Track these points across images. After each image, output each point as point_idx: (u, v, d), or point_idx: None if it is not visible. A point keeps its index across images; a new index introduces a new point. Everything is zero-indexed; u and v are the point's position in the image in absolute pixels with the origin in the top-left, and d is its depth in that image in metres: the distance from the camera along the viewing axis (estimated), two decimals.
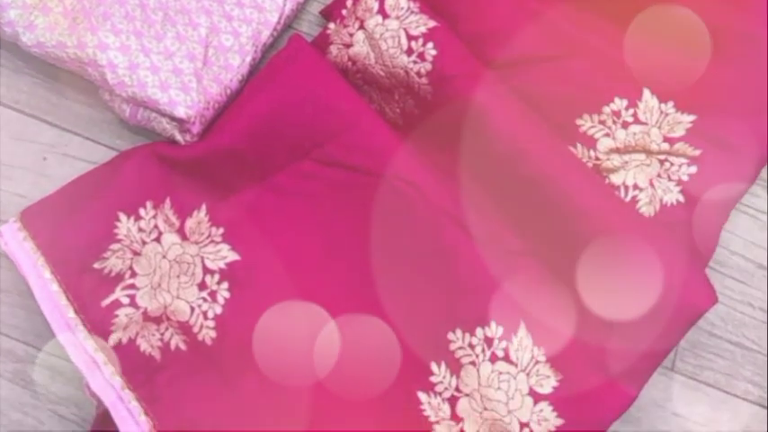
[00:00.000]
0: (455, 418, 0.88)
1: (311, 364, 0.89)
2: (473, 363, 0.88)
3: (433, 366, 0.88)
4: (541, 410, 0.86)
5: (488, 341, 0.87)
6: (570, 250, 0.88)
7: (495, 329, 0.87)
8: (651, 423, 0.93)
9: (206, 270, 0.89)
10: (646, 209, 0.89)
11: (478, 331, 0.88)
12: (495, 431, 0.86)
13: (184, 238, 0.89)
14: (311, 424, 0.87)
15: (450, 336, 0.88)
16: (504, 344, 0.87)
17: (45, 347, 0.91)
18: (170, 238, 0.89)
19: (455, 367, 0.88)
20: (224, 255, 0.90)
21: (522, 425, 0.86)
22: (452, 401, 0.88)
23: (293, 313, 0.89)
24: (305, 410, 0.88)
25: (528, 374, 0.87)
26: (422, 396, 0.88)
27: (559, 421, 0.86)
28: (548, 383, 0.87)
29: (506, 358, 0.87)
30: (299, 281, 0.90)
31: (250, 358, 0.88)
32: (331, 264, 0.91)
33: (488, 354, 0.87)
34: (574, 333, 0.88)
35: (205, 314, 0.89)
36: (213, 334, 0.88)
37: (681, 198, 0.89)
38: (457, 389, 0.88)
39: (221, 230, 0.90)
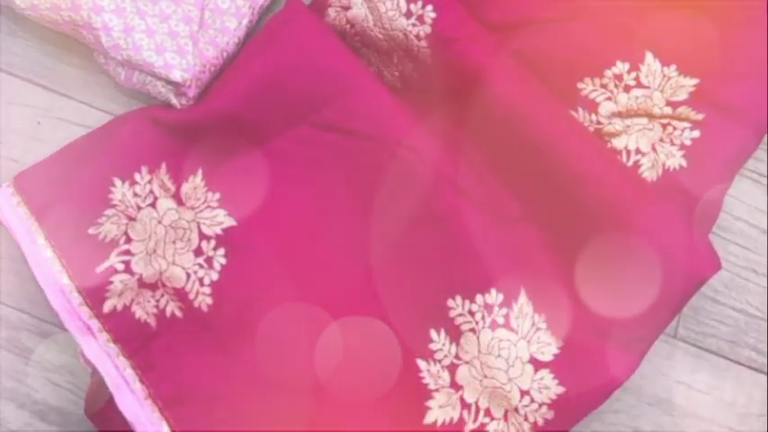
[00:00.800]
0: (454, 385, 0.87)
1: (308, 329, 0.88)
2: (473, 330, 0.86)
3: (433, 334, 0.87)
4: (542, 378, 0.85)
5: (488, 308, 0.86)
6: (571, 216, 0.87)
7: (495, 296, 0.86)
8: (653, 391, 0.92)
9: (202, 236, 0.88)
10: (648, 173, 0.88)
11: (478, 298, 0.86)
12: (495, 399, 0.85)
13: (180, 203, 0.88)
14: (308, 390, 0.87)
15: (450, 303, 0.87)
16: (504, 311, 0.86)
17: (39, 314, 0.90)
18: (165, 203, 0.88)
19: (455, 334, 0.87)
20: (220, 220, 0.89)
21: (523, 392, 0.85)
22: (452, 369, 0.87)
23: (290, 279, 0.89)
24: (301, 376, 0.87)
25: (528, 342, 0.86)
26: (421, 364, 0.87)
27: (560, 389, 0.85)
28: (548, 351, 0.86)
29: (507, 325, 0.86)
30: (297, 247, 0.89)
31: (247, 325, 0.87)
32: (329, 229, 0.90)
33: (488, 321, 0.86)
34: (575, 300, 0.87)
35: (201, 281, 0.88)
36: (209, 301, 0.87)
37: (683, 163, 0.88)
38: (456, 356, 0.87)
39: (217, 196, 0.89)
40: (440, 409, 0.86)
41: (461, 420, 0.86)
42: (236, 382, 0.86)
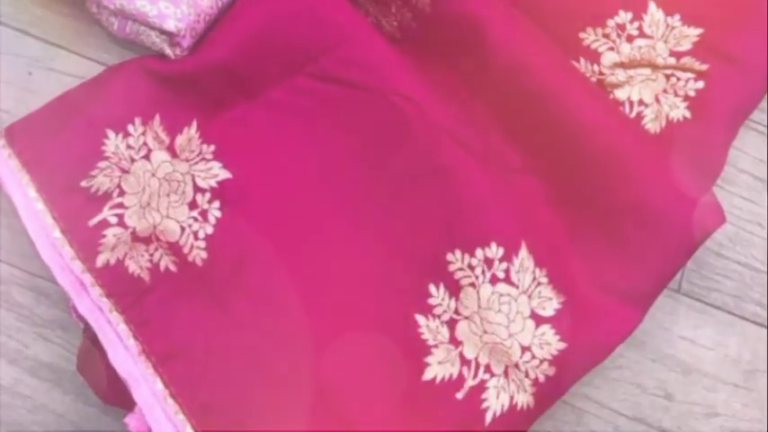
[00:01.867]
0: (454, 341, 0.85)
1: (305, 283, 0.86)
2: (473, 284, 0.85)
3: (432, 288, 0.86)
4: (543, 334, 0.84)
5: (488, 262, 0.85)
6: (572, 168, 0.85)
7: (495, 250, 0.85)
8: (657, 346, 0.91)
9: (197, 189, 0.86)
10: (651, 125, 0.87)
11: (478, 252, 0.85)
12: (496, 355, 0.84)
13: (174, 155, 0.86)
14: (304, 344, 0.85)
15: (449, 257, 0.85)
16: (504, 265, 0.85)
17: (30, 268, 0.89)
18: (159, 155, 0.86)
19: (454, 289, 0.85)
20: (215, 173, 0.87)
21: (524, 348, 0.83)
22: (451, 324, 0.85)
23: (286, 232, 0.87)
24: (297, 331, 0.85)
25: (529, 296, 0.84)
26: (420, 319, 0.86)
27: (562, 345, 0.83)
28: (550, 306, 0.84)
29: (507, 280, 0.85)
30: (293, 199, 0.88)
31: (241, 280, 0.86)
32: (326, 181, 0.88)
33: (488, 275, 0.85)
34: (576, 254, 0.86)
35: (196, 234, 0.86)
36: (204, 255, 0.85)
37: (687, 114, 0.87)
38: (456, 311, 0.85)
39: (212, 148, 0.87)
40: (439, 366, 0.85)
41: (461, 377, 0.84)
42: (231, 337, 0.85)
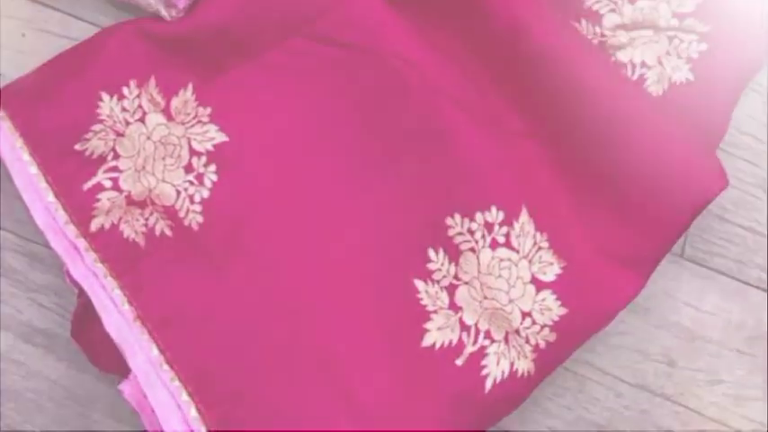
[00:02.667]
0: (453, 307, 0.84)
1: (303, 247, 0.85)
2: (472, 249, 0.84)
3: (431, 253, 0.84)
4: (544, 299, 0.82)
5: (488, 227, 0.83)
6: (574, 131, 0.84)
7: (495, 214, 0.83)
8: (660, 313, 0.89)
9: (192, 152, 0.85)
10: (654, 87, 0.85)
11: (478, 216, 0.83)
12: (496, 320, 0.82)
13: (170, 118, 0.85)
14: (302, 309, 0.84)
15: (449, 221, 0.84)
16: (504, 229, 0.83)
17: (24, 233, 0.88)
18: (155, 118, 0.85)
19: (454, 254, 0.84)
20: (211, 136, 0.86)
21: (524, 314, 0.82)
22: (451, 290, 0.84)
23: (283, 196, 0.86)
24: (295, 296, 0.84)
25: (530, 261, 0.83)
26: (419, 284, 0.84)
27: (563, 310, 0.82)
28: (551, 271, 0.83)
29: (507, 244, 0.83)
30: (290, 163, 0.86)
31: (238, 244, 0.84)
32: (323, 145, 0.87)
33: (488, 240, 0.83)
34: (578, 218, 0.85)
35: (191, 198, 0.85)
36: (200, 219, 0.84)
37: (690, 76, 0.85)
38: (456, 276, 0.84)
39: (209, 110, 0.86)
40: (438, 332, 0.83)
41: (460, 343, 0.83)
42: (228, 302, 0.83)
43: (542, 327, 0.82)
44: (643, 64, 0.85)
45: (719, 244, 0.89)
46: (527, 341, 0.82)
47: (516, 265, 0.83)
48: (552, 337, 0.82)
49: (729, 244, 0.89)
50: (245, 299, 0.84)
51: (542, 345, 0.82)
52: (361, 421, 0.81)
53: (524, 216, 0.83)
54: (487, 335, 0.83)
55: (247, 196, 0.85)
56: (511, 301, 0.82)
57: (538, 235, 0.83)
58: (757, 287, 0.89)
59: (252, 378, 0.82)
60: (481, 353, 0.83)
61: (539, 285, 0.82)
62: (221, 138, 0.85)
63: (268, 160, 0.86)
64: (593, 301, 0.83)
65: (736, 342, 0.89)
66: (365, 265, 0.85)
